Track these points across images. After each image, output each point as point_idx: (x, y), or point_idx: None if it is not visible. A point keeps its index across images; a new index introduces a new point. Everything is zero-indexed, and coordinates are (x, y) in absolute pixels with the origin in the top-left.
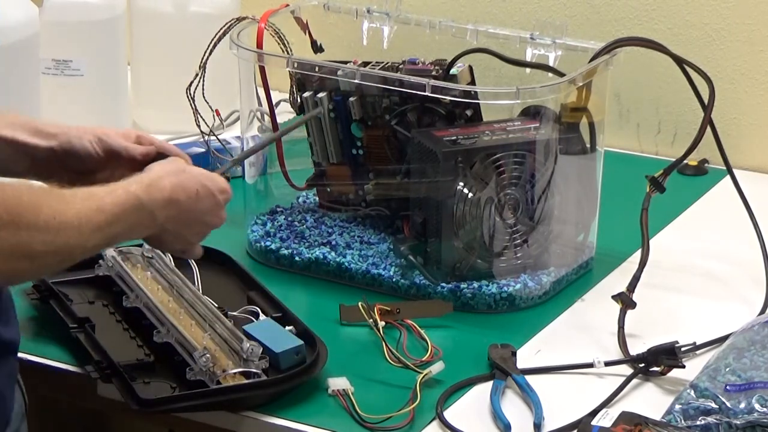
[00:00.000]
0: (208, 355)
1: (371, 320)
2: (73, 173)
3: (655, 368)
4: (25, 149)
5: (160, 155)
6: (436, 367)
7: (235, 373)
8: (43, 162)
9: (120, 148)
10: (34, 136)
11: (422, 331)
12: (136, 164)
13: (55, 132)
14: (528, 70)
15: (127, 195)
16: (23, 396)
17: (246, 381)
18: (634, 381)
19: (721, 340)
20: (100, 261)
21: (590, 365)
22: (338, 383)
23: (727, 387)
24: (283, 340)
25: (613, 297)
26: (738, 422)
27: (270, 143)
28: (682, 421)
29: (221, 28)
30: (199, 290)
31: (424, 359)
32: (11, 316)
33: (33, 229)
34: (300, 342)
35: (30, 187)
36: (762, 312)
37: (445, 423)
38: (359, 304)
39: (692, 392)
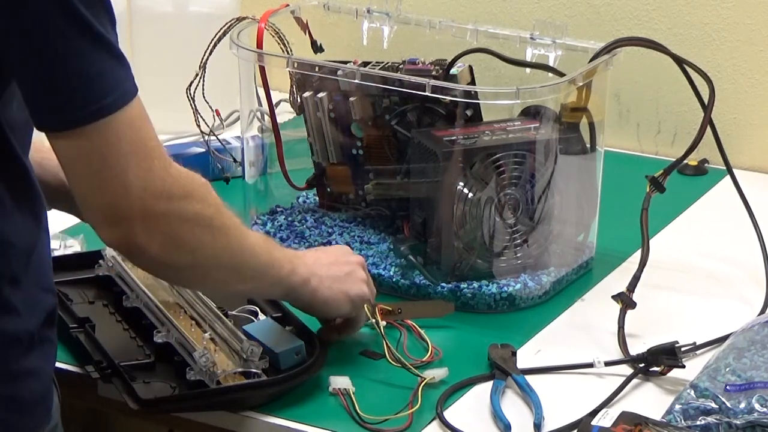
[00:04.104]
0: (208, 355)
1: (372, 320)
2: None
3: (655, 368)
4: None
5: None
6: (439, 374)
7: (235, 373)
8: None
9: None
10: None
11: (422, 332)
12: None
13: None
14: (528, 70)
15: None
16: (58, 394)
17: (246, 381)
18: (634, 381)
19: (721, 340)
20: (100, 261)
21: (590, 365)
22: (340, 382)
23: (727, 387)
24: (283, 340)
25: (613, 297)
26: (738, 422)
27: None
28: (682, 421)
29: (221, 28)
30: None
31: (424, 360)
32: (55, 322)
33: (212, 204)
34: (300, 342)
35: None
36: (762, 312)
37: (445, 423)
38: None
39: (692, 392)
